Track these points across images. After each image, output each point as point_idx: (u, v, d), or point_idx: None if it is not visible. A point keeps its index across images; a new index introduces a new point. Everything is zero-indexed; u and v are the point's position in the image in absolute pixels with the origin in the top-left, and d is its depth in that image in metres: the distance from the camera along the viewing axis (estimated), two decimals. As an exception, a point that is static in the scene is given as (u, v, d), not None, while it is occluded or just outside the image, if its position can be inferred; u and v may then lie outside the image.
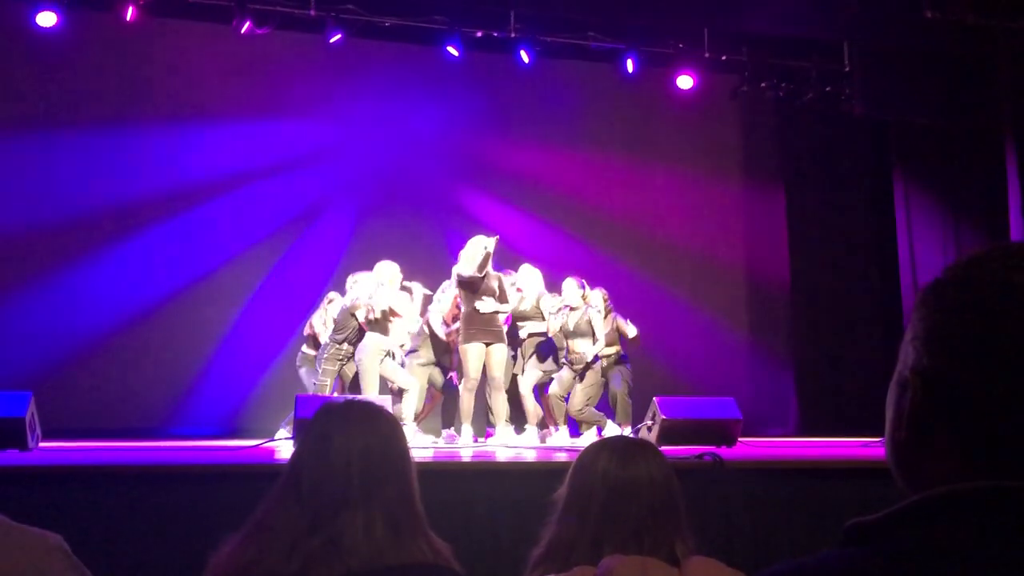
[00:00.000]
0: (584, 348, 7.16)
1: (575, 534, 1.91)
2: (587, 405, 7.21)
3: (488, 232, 7.41)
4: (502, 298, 7.23)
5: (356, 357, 7.07)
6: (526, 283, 7.60)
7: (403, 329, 7.31)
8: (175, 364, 9.04)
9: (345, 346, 7.30)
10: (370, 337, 7.04)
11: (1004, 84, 8.88)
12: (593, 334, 7.18)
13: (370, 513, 1.66)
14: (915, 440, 0.77)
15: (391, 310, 7.03)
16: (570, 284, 7.38)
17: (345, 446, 1.71)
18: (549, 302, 7.55)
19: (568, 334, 7.22)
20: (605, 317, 7.47)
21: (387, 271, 7.18)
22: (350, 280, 7.59)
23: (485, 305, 7.04)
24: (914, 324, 0.79)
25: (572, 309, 7.26)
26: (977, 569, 0.65)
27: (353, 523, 1.64)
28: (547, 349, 7.55)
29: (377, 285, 7.11)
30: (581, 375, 7.18)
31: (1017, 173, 8.76)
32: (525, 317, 7.61)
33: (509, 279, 7.57)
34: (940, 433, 0.75)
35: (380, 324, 7.04)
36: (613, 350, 7.55)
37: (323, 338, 7.66)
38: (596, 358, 7.24)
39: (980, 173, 9.61)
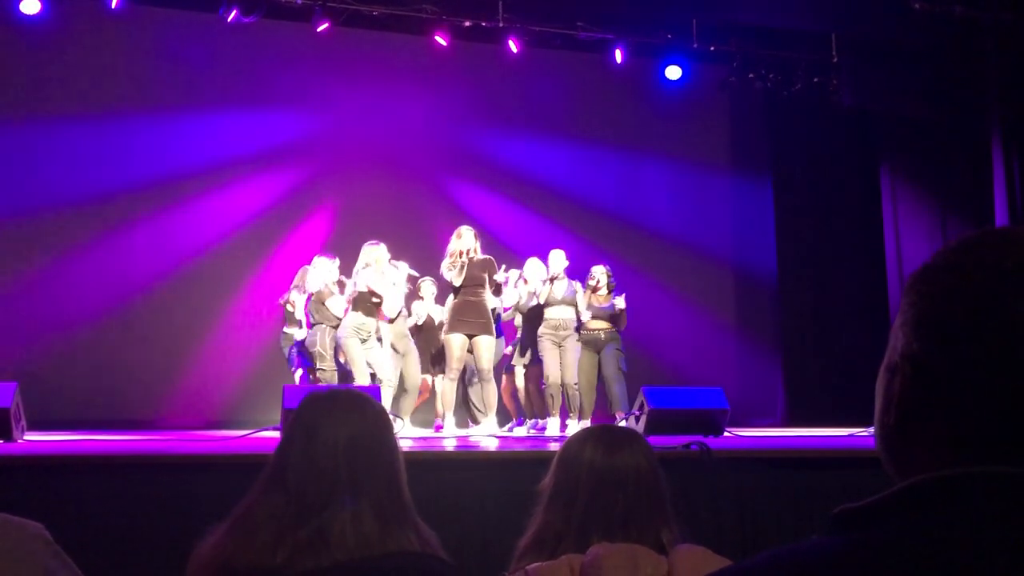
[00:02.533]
0: (559, 315, 7.20)
1: (562, 524, 1.91)
2: (579, 379, 7.24)
3: (472, 222, 7.42)
4: (491, 282, 7.23)
5: (337, 335, 7.07)
6: (532, 277, 7.58)
7: (388, 307, 7.31)
8: (162, 354, 9.00)
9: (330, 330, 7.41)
10: (350, 317, 7.03)
11: (991, 76, 8.91)
12: (576, 305, 7.26)
13: (357, 504, 1.65)
14: (904, 426, 0.77)
15: (370, 290, 7.02)
16: (556, 255, 7.41)
17: (331, 436, 1.70)
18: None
19: (551, 302, 7.24)
20: (608, 293, 7.58)
21: (373, 252, 7.16)
22: (306, 269, 7.70)
23: (492, 300, 7.08)
24: (903, 309, 0.79)
25: (557, 279, 7.28)
26: (967, 554, 0.65)
27: (340, 515, 1.63)
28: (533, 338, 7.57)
29: (364, 265, 7.11)
30: (561, 341, 7.21)
31: (1003, 165, 8.79)
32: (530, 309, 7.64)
33: (515, 273, 7.60)
34: (929, 418, 0.75)
35: (362, 305, 7.02)
36: (605, 325, 7.59)
37: (298, 313, 7.76)
38: (578, 324, 7.28)
39: (967, 165, 9.64)
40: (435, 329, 7.97)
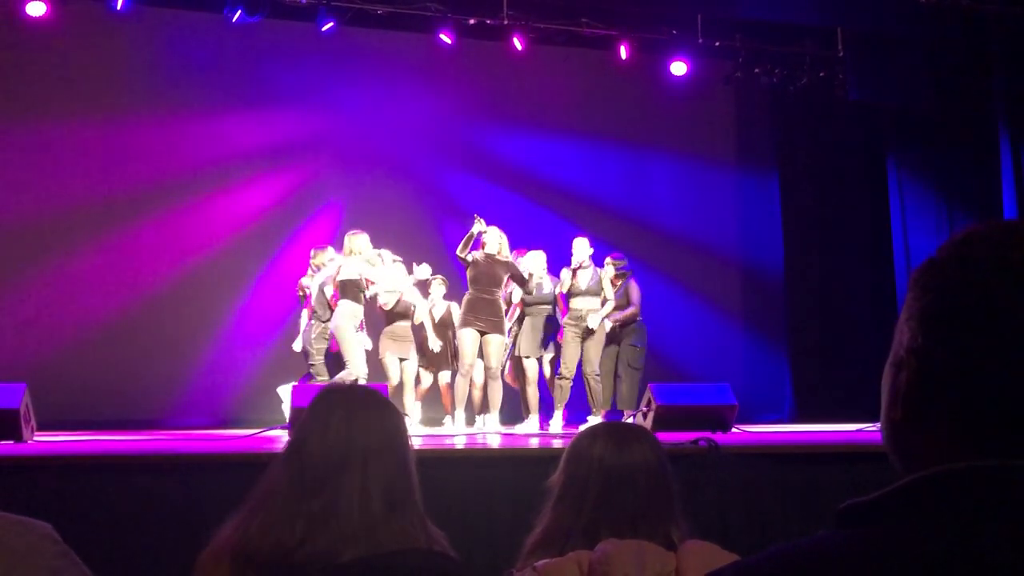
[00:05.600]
0: (583, 305, 7.15)
1: (570, 520, 1.91)
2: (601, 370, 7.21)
3: (483, 219, 7.41)
4: (519, 283, 7.22)
5: (332, 325, 7.05)
6: (534, 268, 7.50)
7: (380, 295, 7.33)
8: (170, 354, 9.01)
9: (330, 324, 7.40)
10: (343, 305, 7.01)
11: (998, 69, 8.88)
12: (602, 294, 7.19)
13: (366, 480, 1.68)
14: (910, 420, 0.77)
15: (365, 279, 7.00)
16: (580, 243, 7.30)
17: (346, 425, 1.73)
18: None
19: (576, 292, 7.18)
20: (619, 281, 7.58)
21: (356, 242, 7.13)
22: (325, 256, 7.64)
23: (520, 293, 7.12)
24: (909, 304, 0.79)
25: (581, 268, 7.23)
26: (972, 548, 0.65)
27: (349, 488, 1.66)
28: (552, 328, 7.54)
29: (346, 256, 7.12)
30: (585, 334, 7.15)
31: (1011, 159, 8.76)
32: (535, 302, 7.54)
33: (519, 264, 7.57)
34: (935, 412, 0.75)
35: (351, 292, 7.01)
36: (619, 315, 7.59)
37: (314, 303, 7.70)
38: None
39: (974, 158, 9.61)
40: (441, 326, 7.95)
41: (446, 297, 8.02)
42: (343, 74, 9.87)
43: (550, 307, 7.51)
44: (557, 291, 7.44)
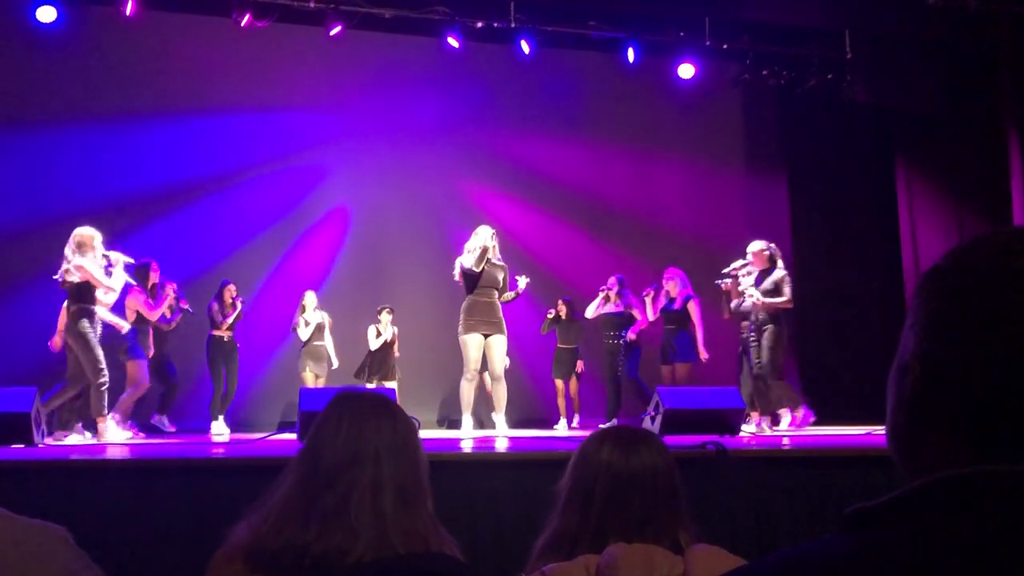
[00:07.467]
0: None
1: (578, 524, 1.92)
2: (773, 369, 7.42)
3: (489, 224, 7.42)
4: (510, 284, 7.25)
5: (71, 330, 6.45)
6: (670, 287, 8.40)
7: (106, 298, 6.80)
8: (179, 358, 9.03)
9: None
10: (81, 308, 6.46)
11: (1006, 70, 8.86)
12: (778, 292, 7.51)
13: (378, 478, 1.70)
14: (915, 425, 0.77)
15: (93, 278, 6.47)
16: (756, 245, 7.74)
17: (357, 429, 1.75)
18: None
19: (766, 293, 7.52)
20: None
21: (92, 239, 6.60)
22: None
23: (506, 296, 7.19)
24: (914, 310, 0.79)
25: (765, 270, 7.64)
26: (978, 553, 0.66)
27: (363, 481, 1.68)
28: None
29: (72, 252, 6.49)
30: (758, 336, 7.50)
31: (1020, 159, 8.73)
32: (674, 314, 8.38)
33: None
34: (940, 418, 0.75)
35: (89, 295, 6.49)
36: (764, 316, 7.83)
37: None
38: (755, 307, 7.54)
39: (982, 159, 9.58)
40: (388, 346, 9.20)
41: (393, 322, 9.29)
42: (351, 78, 9.90)
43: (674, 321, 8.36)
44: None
